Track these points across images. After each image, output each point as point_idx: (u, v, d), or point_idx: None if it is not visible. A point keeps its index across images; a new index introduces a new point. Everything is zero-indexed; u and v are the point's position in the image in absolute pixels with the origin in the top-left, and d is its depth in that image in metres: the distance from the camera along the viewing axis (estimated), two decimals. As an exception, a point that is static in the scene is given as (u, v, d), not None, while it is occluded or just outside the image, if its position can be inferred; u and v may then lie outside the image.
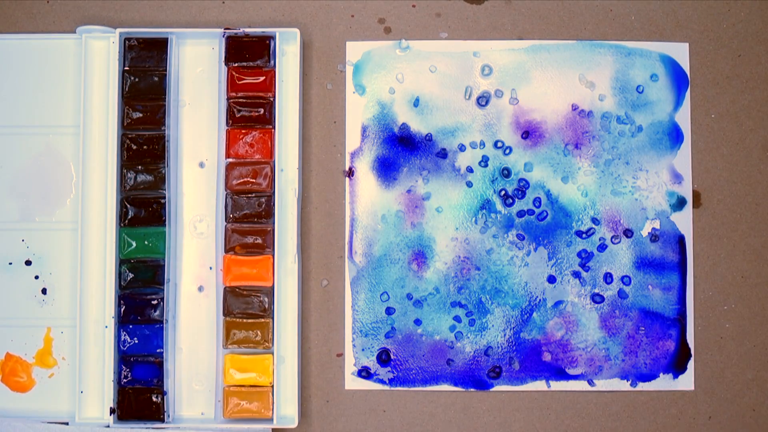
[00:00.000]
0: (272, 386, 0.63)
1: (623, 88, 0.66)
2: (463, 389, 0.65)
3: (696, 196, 0.66)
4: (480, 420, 0.65)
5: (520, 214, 0.66)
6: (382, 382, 0.65)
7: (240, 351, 0.63)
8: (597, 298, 0.65)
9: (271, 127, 0.64)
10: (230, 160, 0.64)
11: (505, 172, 0.66)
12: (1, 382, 0.65)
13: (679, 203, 0.66)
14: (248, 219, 0.64)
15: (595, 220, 0.66)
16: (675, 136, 0.66)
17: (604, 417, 0.65)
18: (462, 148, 0.66)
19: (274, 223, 0.64)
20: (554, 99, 0.66)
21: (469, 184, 0.66)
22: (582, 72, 0.66)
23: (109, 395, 0.63)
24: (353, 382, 0.65)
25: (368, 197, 0.66)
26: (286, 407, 0.63)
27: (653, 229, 0.66)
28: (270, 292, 0.63)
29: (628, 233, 0.66)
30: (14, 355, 0.65)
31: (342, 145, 0.66)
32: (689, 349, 0.65)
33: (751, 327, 0.66)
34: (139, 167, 0.64)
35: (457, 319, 0.65)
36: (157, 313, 0.63)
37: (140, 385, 0.63)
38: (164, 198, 0.64)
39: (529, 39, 0.67)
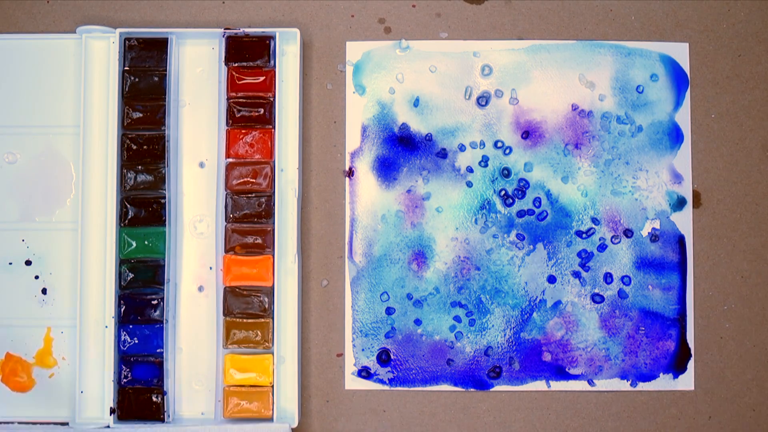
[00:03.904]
0: (272, 386, 0.63)
1: (623, 88, 0.66)
2: (463, 389, 0.65)
3: (696, 196, 0.66)
4: (480, 420, 0.65)
5: (520, 214, 0.66)
6: (382, 382, 0.65)
7: (240, 351, 0.63)
8: (597, 298, 0.65)
9: (271, 127, 0.64)
10: (230, 160, 0.64)
11: (505, 172, 0.66)
12: (1, 382, 0.65)
13: (679, 203, 0.66)
14: (248, 219, 0.64)
15: (595, 220, 0.66)
16: (675, 136, 0.66)
17: (604, 417, 0.65)
18: (462, 148, 0.66)
19: (274, 223, 0.64)
20: (554, 99, 0.66)
21: (469, 184, 0.66)
22: (582, 72, 0.66)
23: (109, 395, 0.63)
24: (353, 382, 0.65)
25: (368, 197, 0.66)
26: (286, 407, 0.63)
27: (653, 229, 0.66)
28: (270, 292, 0.63)
29: (628, 233, 0.66)
30: (14, 355, 0.65)
31: (342, 145, 0.66)
32: (689, 349, 0.65)
33: (751, 327, 0.66)
34: (139, 167, 0.64)
35: (457, 319, 0.65)
36: (157, 313, 0.63)
37: (140, 385, 0.63)
38: (164, 198, 0.64)
39: (529, 39, 0.67)
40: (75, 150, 0.65)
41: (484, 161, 0.66)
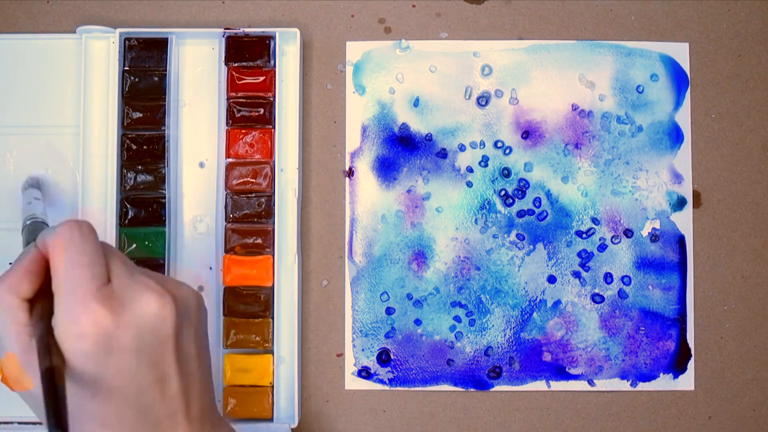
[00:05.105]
0: (272, 386, 0.63)
1: (623, 88, 0.66)
2: (463, 389, 0.65)
3: (696, 196, 0.66)
4: (480, 420, 0.65)
5: (520, 214, 0.66)
6: (382, 382, 0.65)
7: (240, 351, 0.63)
8: (597, 298, 0.65)
9: (271, 127, 0.64)
10: (230, 160, 0.64)
11: (505, 172, 0.66)
12: (1, 382, 0.65)
13: (679, 203, 0.66)
14: (248, 219, 0.64)
15: (595, 220, 0.66)
16: (675, 136, 0.66)
17: (604, 417, 0.65)
18: (462, 148, 0.66)
19: (274, 223, 0.64)
20: (554, 99, 0.66)
21: (469, 184, 0.66)
22: (582, 72, 0.66)
23: (109, 395, 0.63)
24: (353, 382, 0.65)
25: (368, 197, 0.66)
26: (286, 407, 0.63)
27: (653, 229, 0.66)
28: (270, 292, 0.63)
29: (628, 233, 0.66)
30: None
31: (342, 145, 0.66)
32: (689, 349, 0.65)
33: (751, 327, 0.66)
34: (139, 167, 0.64)
35: (457, 319, 0.65)
36: (157, 313, 0.63)
37: (140, 385, 0.63)
38: (164, 198, 0.64)
39: (529, 39, 0.67)
40: (75, 150, 0.65)
41: (484, 161, 0.66)
